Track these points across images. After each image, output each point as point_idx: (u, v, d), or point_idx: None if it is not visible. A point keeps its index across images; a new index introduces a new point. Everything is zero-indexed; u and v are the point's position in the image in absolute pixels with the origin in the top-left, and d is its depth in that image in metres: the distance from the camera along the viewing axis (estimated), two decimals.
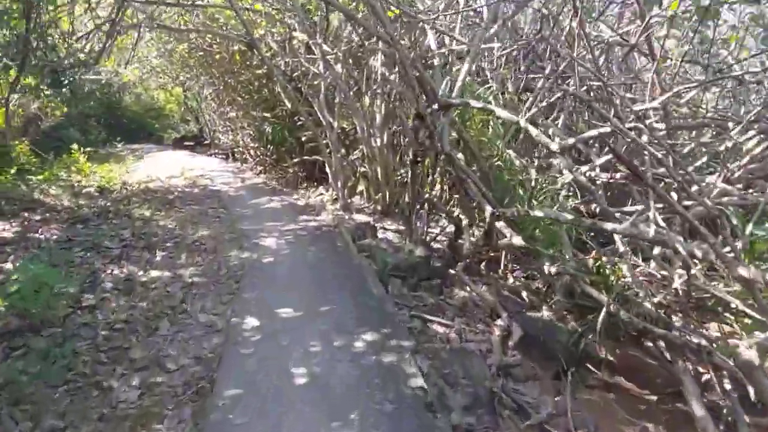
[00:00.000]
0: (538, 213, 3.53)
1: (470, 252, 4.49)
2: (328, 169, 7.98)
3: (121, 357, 3.13)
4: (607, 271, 3.94)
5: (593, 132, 3.31)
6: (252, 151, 11.79)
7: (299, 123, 9.73)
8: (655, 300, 3.62)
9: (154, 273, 4.32)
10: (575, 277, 3.73)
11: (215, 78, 10.80)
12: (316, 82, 8.39)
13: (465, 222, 4.53)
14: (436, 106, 4.06)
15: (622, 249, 4.04)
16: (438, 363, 3.18)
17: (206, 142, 15.55)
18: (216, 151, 14.31)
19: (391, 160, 6.79)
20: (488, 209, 3.79)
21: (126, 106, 19.69)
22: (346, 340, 3.35)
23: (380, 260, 4.54)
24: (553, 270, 3.80)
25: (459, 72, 4.49)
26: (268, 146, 10.04)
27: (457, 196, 5.70)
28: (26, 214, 5.26)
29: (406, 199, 5.49)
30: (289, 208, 7.35)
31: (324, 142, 8.11)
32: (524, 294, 4.25)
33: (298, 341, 3.33)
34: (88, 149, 13.40)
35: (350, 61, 7.91)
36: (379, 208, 7.07)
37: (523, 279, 4.70)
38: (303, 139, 9.58)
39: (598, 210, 4.74)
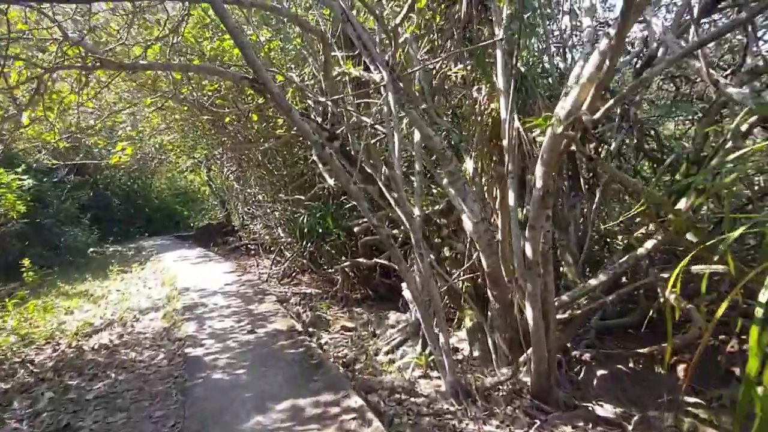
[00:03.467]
0: None
1: None
2: (405, 288, 4.48)
3: None
4: None
5: None
6: (288, 245, 8.52)
7: (349, 205, 6.44)
8: None
9: None
10: None
11: (230, 150, 7.84)
12: (374, 141, 5.11)
13: None
14: None
15: None
16: None
17: (236, 229, 12.58)
18: (246, 243, 11.21)
19: (551, 286, 3.16)
20: None
21: (150, 193, 17.45)
22: None
23: None
24: None
25: None
26: (304, 242, 6.71)
27: None
28: None
29: None
30: None
31: (392, 233, 4.72)
32: None
33: None
34: (92, 250, 10.81)
35: (433, 97, 4.58)
36: (528, 382, 3.36)
37: None
38: (356, 229, 6.22)
39: None
